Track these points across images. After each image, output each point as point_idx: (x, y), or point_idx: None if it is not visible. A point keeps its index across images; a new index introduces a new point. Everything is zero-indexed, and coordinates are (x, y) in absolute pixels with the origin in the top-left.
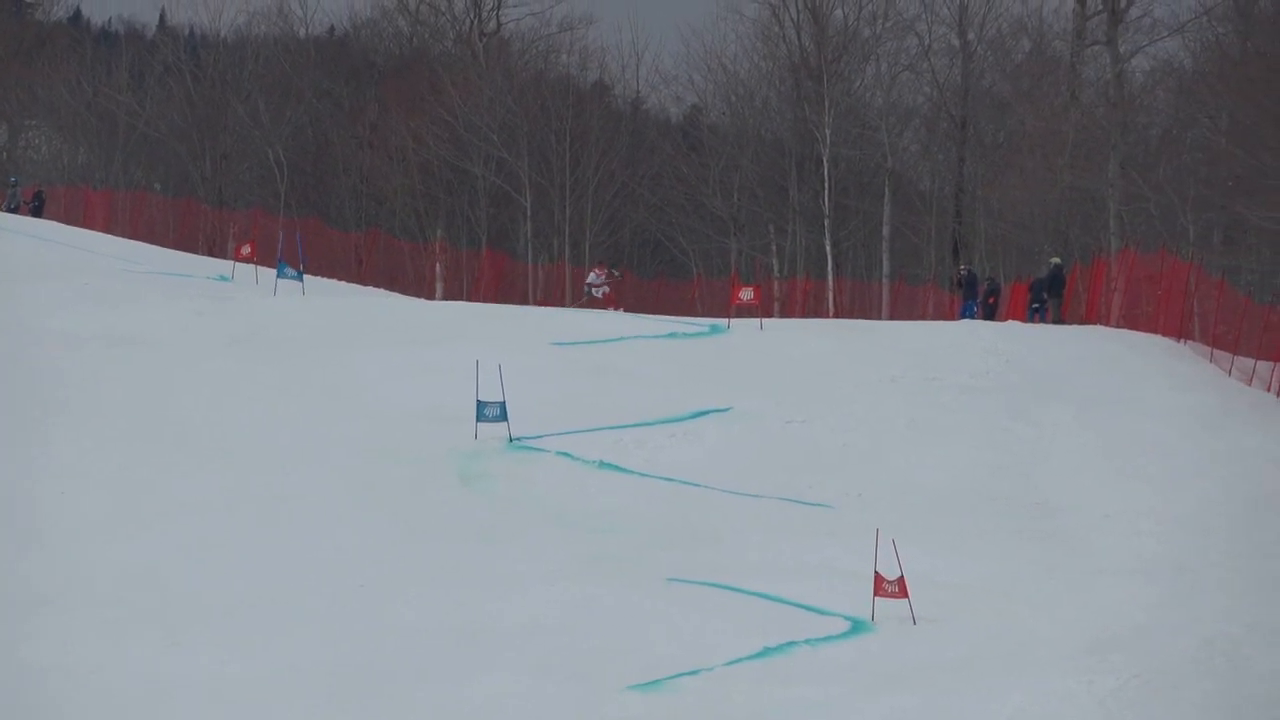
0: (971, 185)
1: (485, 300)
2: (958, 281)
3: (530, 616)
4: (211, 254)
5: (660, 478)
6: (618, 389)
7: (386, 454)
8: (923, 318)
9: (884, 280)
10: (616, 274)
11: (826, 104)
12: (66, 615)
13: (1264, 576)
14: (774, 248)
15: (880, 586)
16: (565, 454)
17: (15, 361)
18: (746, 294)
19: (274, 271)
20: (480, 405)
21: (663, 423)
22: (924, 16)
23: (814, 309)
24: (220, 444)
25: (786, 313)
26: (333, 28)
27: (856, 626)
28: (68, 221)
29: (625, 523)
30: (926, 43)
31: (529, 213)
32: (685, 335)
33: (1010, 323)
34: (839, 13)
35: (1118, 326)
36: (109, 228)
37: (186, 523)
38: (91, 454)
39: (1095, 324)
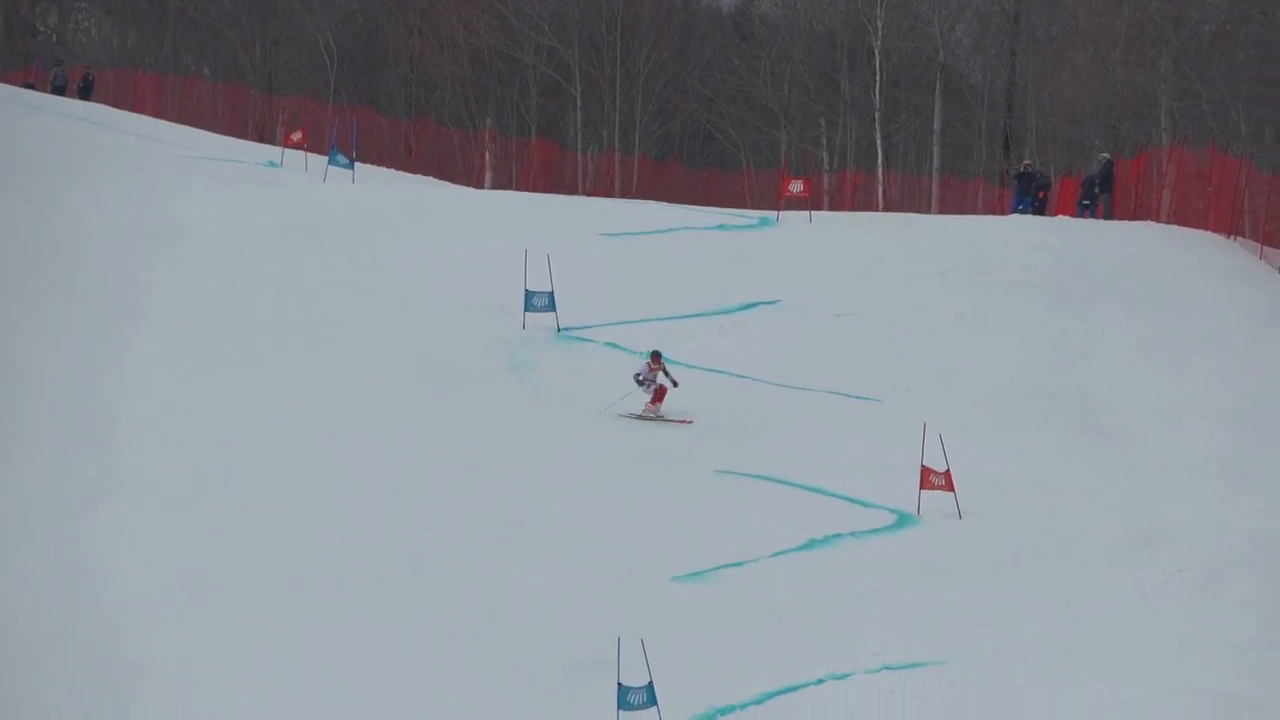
0: (1023, 80)
1: (534, 190)
2: (1014, 175)
3: (575, 508)
4: (261, 140)
5: (708, 369)
6: (666, 280)
7: (435, 344)
8: (972, 212)
9: (934, 174)
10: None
11: None
12: (120, 510)
13: None
14: (824, 140)
15: (927, 480)
16: (613, 345)
17: (62, 251)
18: (796, 186)
19: (323, 159)
20: (528, 295)
21: (711, 314)
22: None
23: (864, 202)
24: (269, 337)
25: (836, 206)
26: None
27: (902, 520)
28: (116, 105)
29: (673, 414)
30: None
31: (579, 102)
32: (734, 227)
33: (1060, 218)
34: None
35: (1168, 223)
36: (158, 112)
37: (235, 418)
38: (141, 349)
39: (1145, 220)
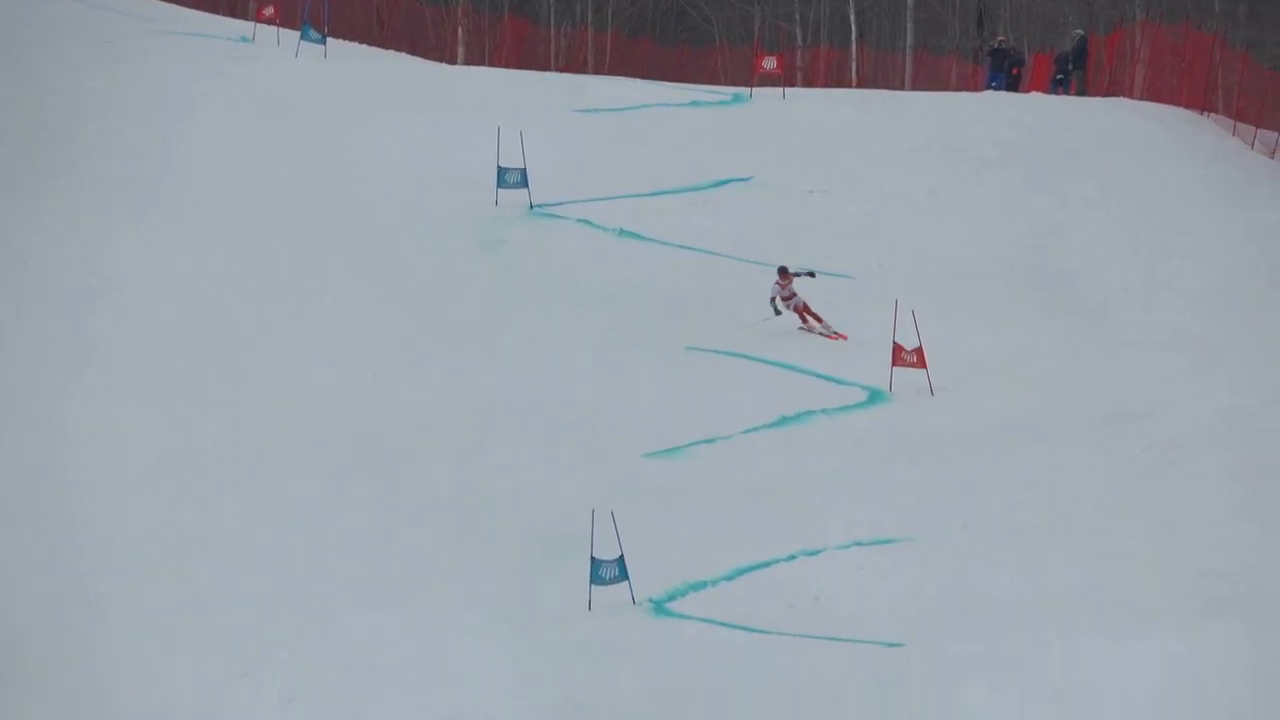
0: None
1: (506, 66)
2: (987, 52)
3: (548, 385)
4: (233, 15)
5: (680, 246)
6: (639, 157)
7: (407, 220)
8: (945, 89)
9: (907, 51)
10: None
11: None
12: (99, 389)
13: None
14: (797, 16)
15: (899, 357)
16: (585, 222)
17: (29, 127)
18: (769, 63)
19: (295, 34)
20: (501, 171)
21: (683, 191)
22: None
23: (837, 79)
24: (242, 216)
25: (809, 82)
26: None
27: (874, 397)
28: None
29: (644, 292)
30: None
31: None
32: (708, 104)
33: (1033, 94)
34: None
35: (1141, 99)
36: None
37: (210, 295)
38: (120, 224)
39: (1118, 96)
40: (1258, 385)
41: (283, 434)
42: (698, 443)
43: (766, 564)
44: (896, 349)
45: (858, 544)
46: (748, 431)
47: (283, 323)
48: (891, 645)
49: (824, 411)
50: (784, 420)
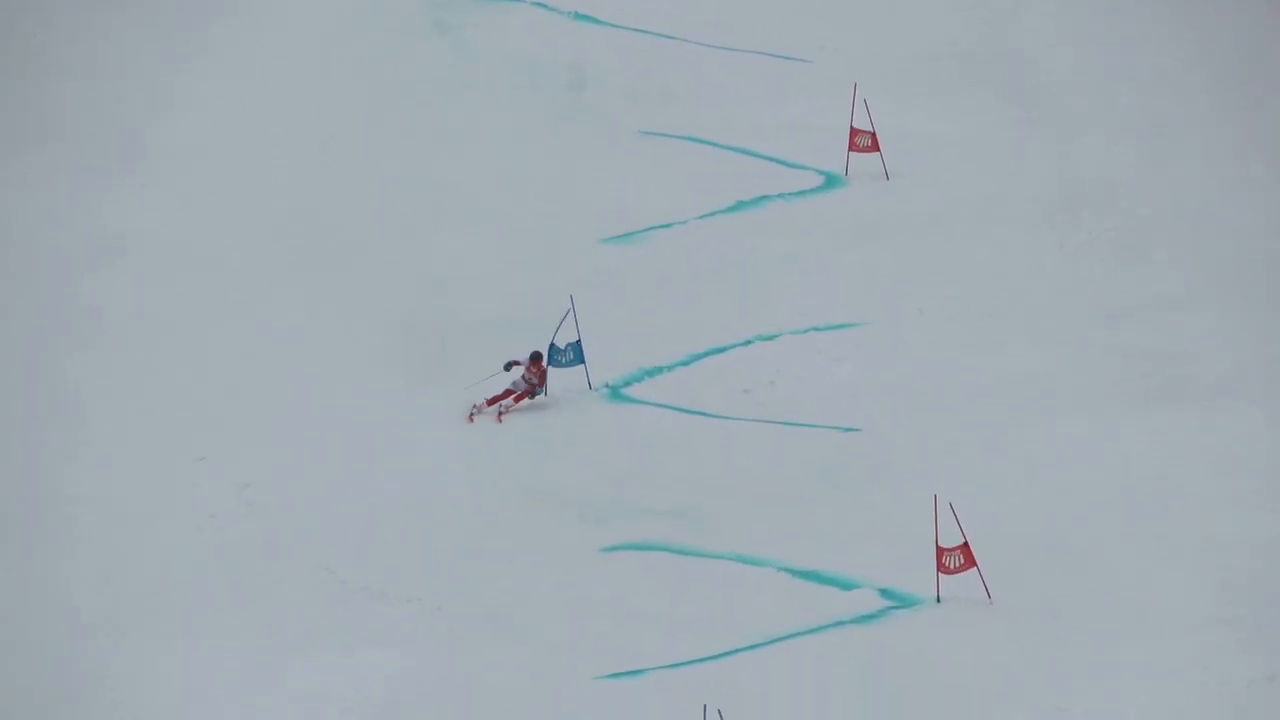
0: None
1: None
2: None
3: (502, 170)
4: None
5: (635, 30)
6: None
7: (358, 4)
8: None
9: None
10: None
11: None
12: (52, 163)
13: (1243, 132)
14: None
15: (854, 142)
16: (540, 4)
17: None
18: None
19: None
20: None
21: None
22: None
23: None
24: None
25: None
26: None
27: (830, 181)
28: None
29: (599, 76)
30: None
31: None
32: None
33: None
34: None
35: None
36: None
37: (162, 79)
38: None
39: None
40: (1214, 169)
41: (234, 216)
42: (655, 228)
43: (723, 349)
44: (852, 133)
45: (814, 329)
46: (704, 217)
47: (234, 101)
48: (847, 430)
49: (780, 196)
50: (740, 205)
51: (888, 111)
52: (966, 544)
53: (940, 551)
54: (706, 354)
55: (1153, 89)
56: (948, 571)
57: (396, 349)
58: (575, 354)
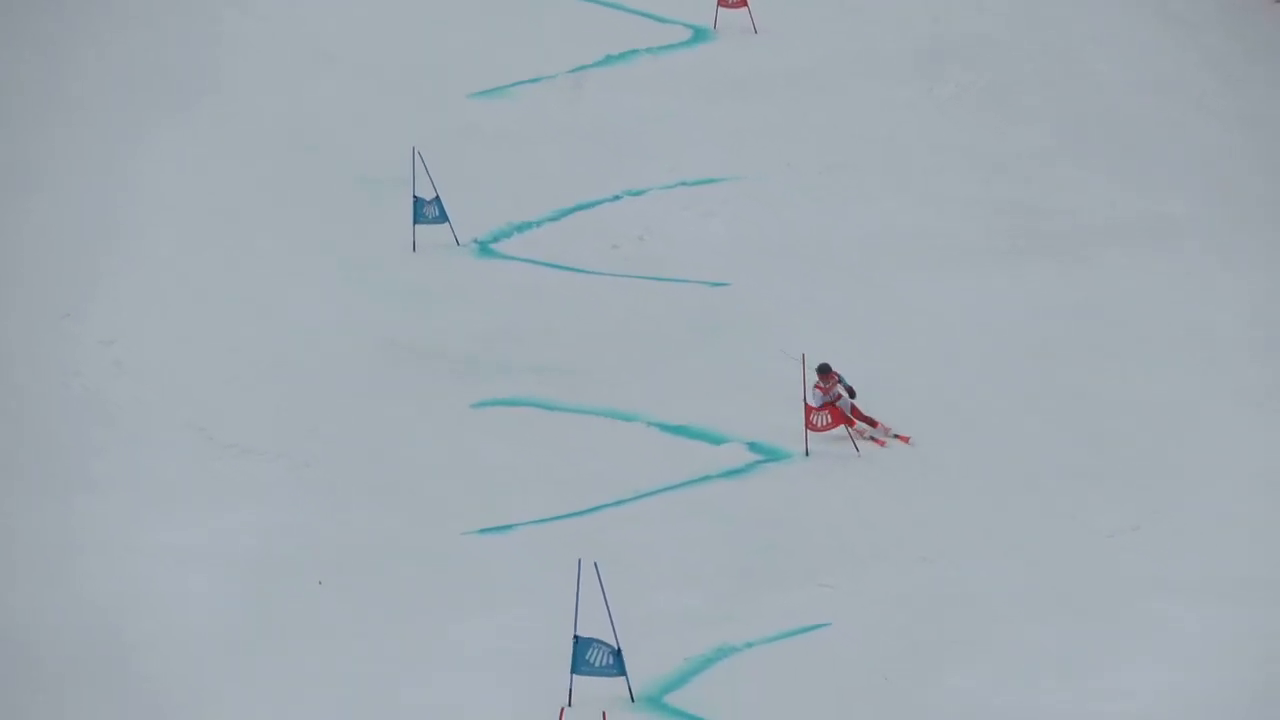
0: None
1: None
2: None
3: (369, 20)
4: None
5: None
6: None
7: None
8: None
9: None
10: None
11: None
12: None
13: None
14: None
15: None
16: None
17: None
18: None
19: None
20: None
21: None
22: None
23: None
24: None
25: None
26: None
27: (698, 35)
28: None
29: None
30: None
31: None
32: None
33: None
34: None
35: None
36: None
37: None
38: None
39: None
40: (1079, 22)
41: (97, 62)
42: (524, 82)
43: (591, 204)
44: (807, 410)
45: (683, 184)
46: (574, 71)
47: None
48: (716, 285)
49: (649, 50)
50: (609, 59)
51: None
52: (832, 403)
53: (808, 409)
54: (575, 209)
55: None
56: (815, 429)
57: (266, 202)
58: (439, 211)
